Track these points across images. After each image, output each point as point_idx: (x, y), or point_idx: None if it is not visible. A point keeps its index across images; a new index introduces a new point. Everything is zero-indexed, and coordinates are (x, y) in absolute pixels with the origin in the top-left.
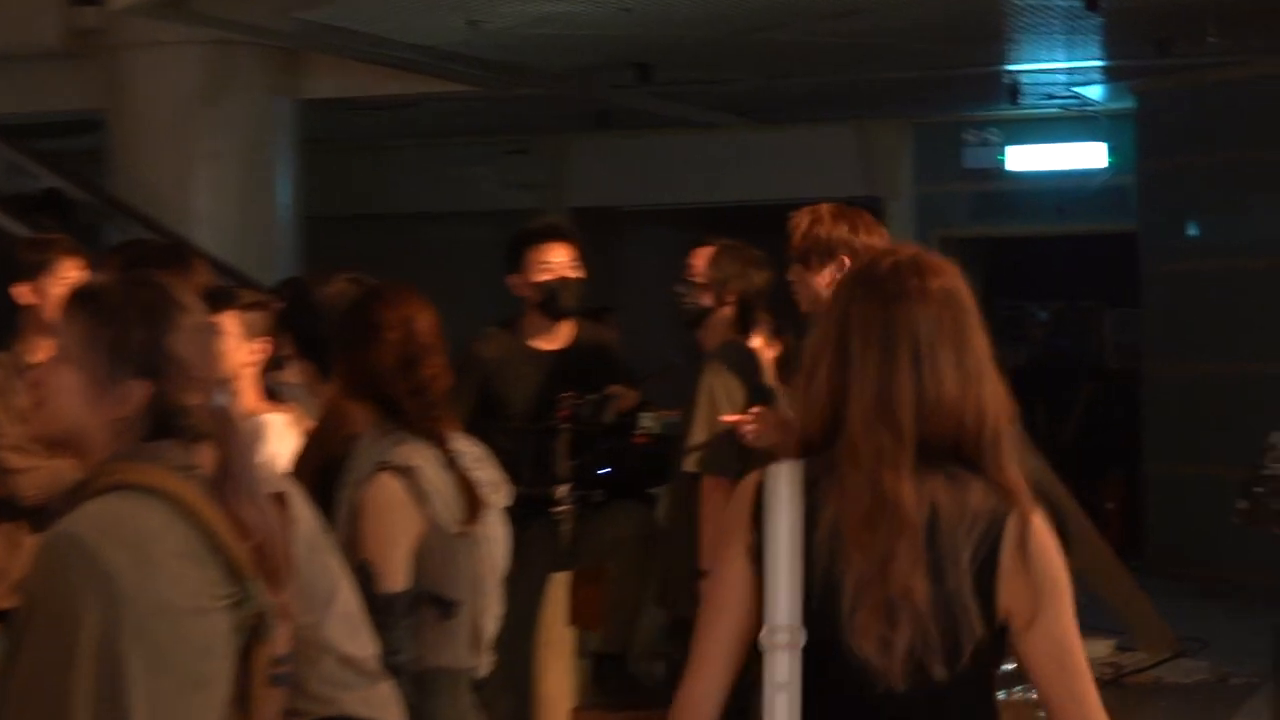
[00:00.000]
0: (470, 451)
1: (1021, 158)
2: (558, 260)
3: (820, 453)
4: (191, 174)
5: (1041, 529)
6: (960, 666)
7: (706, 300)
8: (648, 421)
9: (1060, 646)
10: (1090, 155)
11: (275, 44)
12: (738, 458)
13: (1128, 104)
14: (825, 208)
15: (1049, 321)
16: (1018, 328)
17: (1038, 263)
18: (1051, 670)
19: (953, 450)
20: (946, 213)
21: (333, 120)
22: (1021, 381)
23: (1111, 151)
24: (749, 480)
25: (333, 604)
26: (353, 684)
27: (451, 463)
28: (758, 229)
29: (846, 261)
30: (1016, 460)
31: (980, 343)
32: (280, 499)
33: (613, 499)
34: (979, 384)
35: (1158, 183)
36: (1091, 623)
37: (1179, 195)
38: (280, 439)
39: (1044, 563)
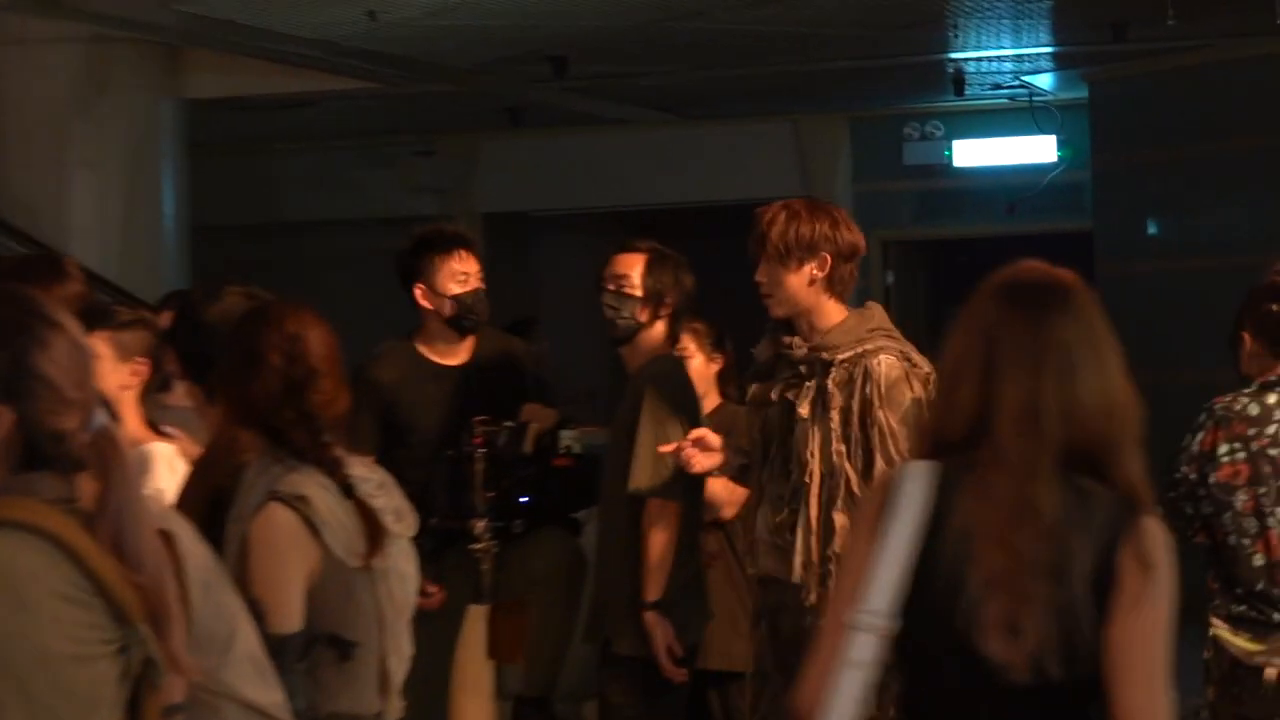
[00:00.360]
0: (370, 478)
1: (967, 153)
2: (470, 270)
3: (956, 455)
4: (68, 182)
5: (1157, 531)
6: (1074, 667)
7: (643, 315)
8: (569, 441)
9: (1145, 643)
10: (1041, 149)
11: (156, 40)
12: (680, 480)
13: (1080, 93)
14: (799, 203)
15: None
16: None
17: (987, 265)
18: (1127, 662)
19: (1086, 455)
20: (888, 213)
21: (221, 122)
22: None
23: (1063, 145)
24: (884, 474)
25: (232, 647)
26: None
27: (348, 491)
28: (684, 233)
29: (829, 260)
30: (1141, 462)
31: (1115, 350)
32: (166, 536)
33: (534, 527)
34: (1116, 391)
35: (1113, 178)
36: None
37: (1136, 192)
38: (167, 470)
39: (1154, 562)
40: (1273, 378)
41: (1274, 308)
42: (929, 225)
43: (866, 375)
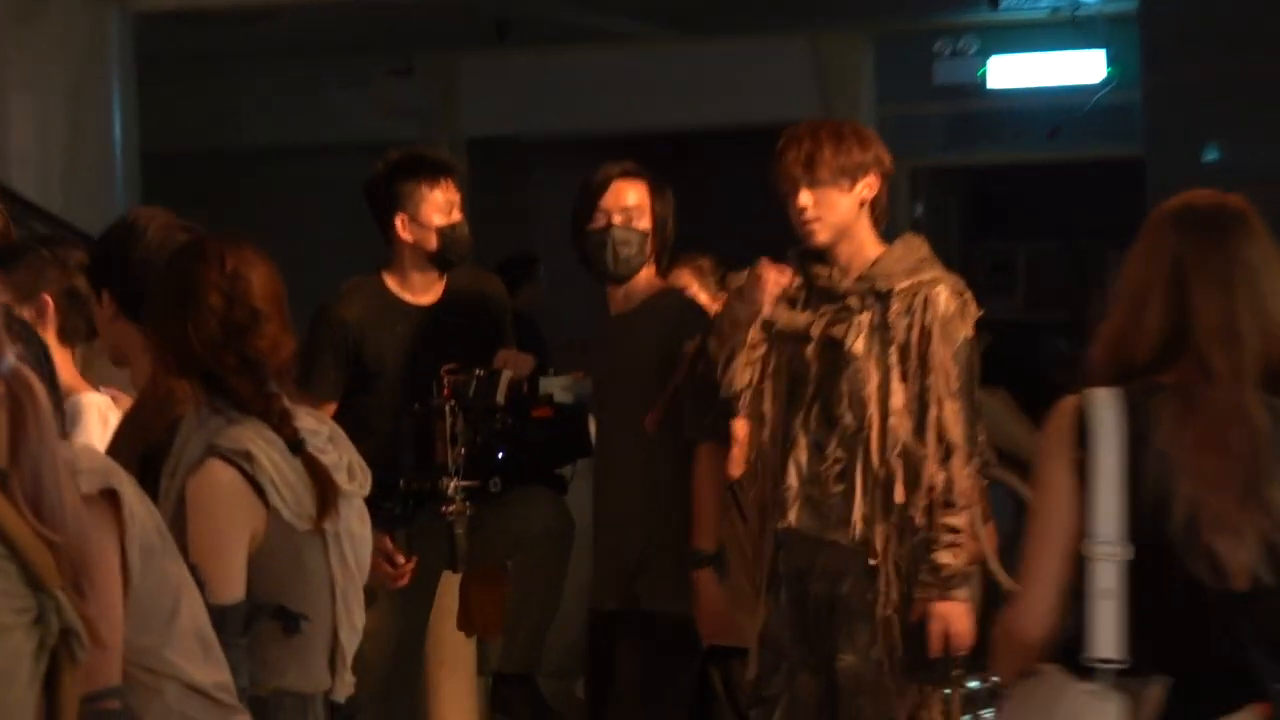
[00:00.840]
0: (319, 430)
1: (1004, 72)
2: (452, 199)
3: (1139, 379)
4: (4, 105)
5: None
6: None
7: (649, 250)
8: (555, 389)
9: None
10: (1086, 67)
11: None
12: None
13: (1129, 3)
14: (838, 124)
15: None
16: (1003, 274)
17: (1025, 196)
18: None
19: (1276, 373)
20: (916, 139)
21: (174, 38)
22: (1007, 343)
23: (1111, 62)
24: (1067, 403)
25: (175, 621)
26: (201, 718)
27: (297, 446)
28: (688, 160)
29: (876, 181)
30: None
31: None
32: (110, 494)
33: (513, 485)
34: None
35: (1166, 98)
36: None
37: (1192, 114)
38: (98, 423)
39: None
40: None
41: None
42: (961, 152)
43: (926, 307)
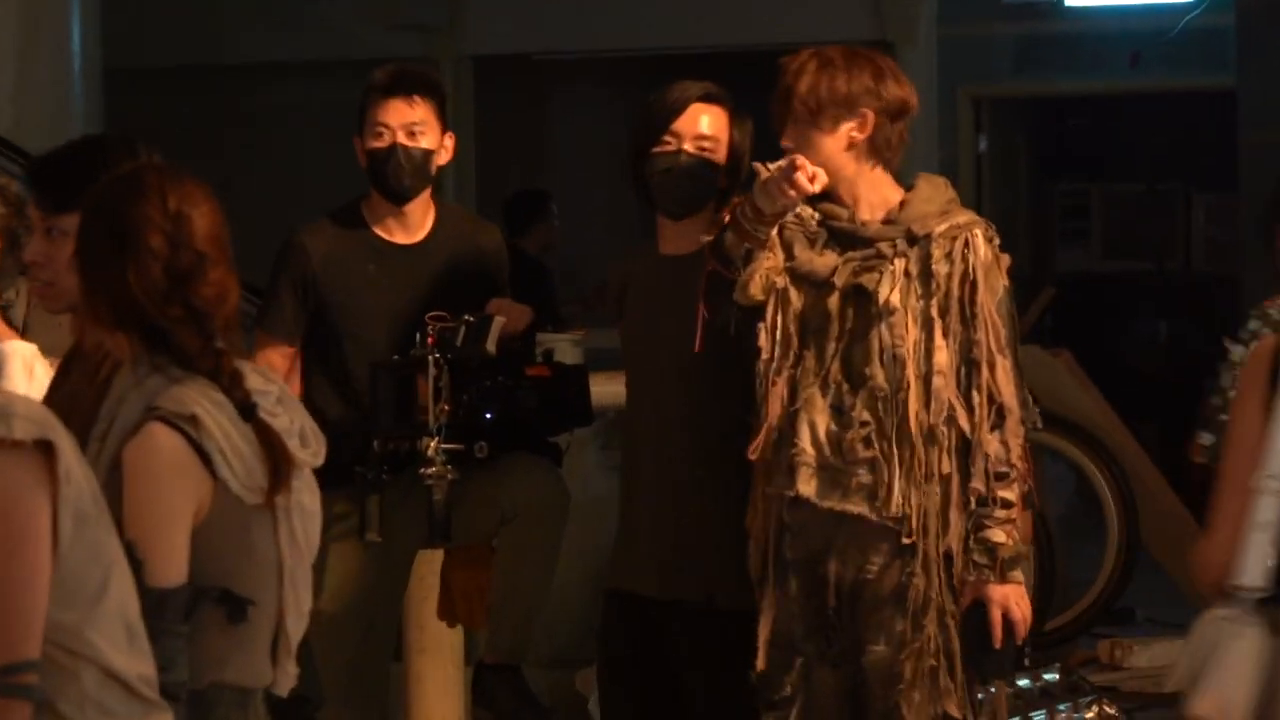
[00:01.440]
0: (268, 390)
1: None
2: (397, 121)
3: None
4: None
5: None
6: None
7: (719, 185)
8: (556, 346)
9: None
10: None
11: None
12: None
13: None
14: (834, 50)
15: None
16: (1077, 220)
17: (1104, 130)
18: None
19: None
20: (980, 63)
21: None
22: (1083, 293)
23: None
24: (1264, 343)
25: (103, 600)
26: (117, 711)
27: (249, 410)
28: (727, 85)
29: (870, 117)
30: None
31: None
32: (46, 446)
33: (503, 451)
34: None
35: (1264, 22)
36: (1163, 618)
37: None
38: (23, 374)
39: None
40: None
41: None
42: (1032, 79)
43: (967, 253)
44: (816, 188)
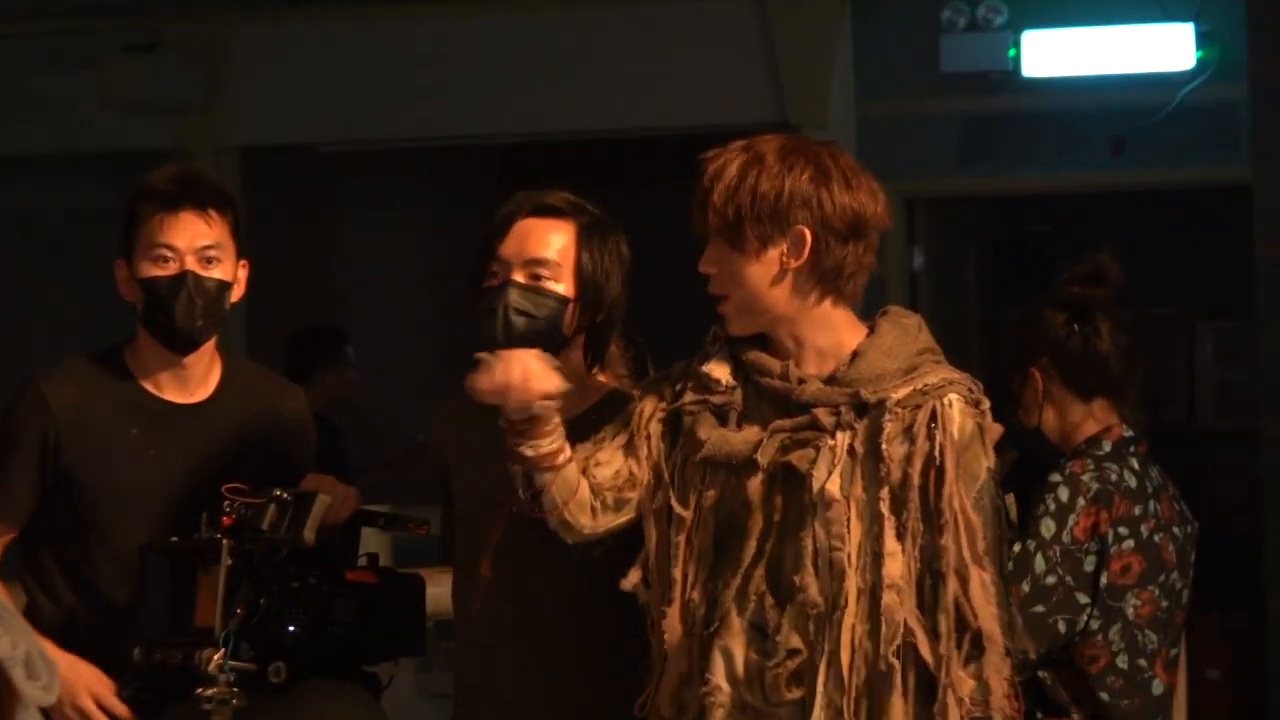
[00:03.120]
0: None
1: (1043, 53)
2: (186, 243)
3: None
4: None
5: None
6: None
7: (570, 324)
8: (383, 535)
9: None
10: (1168, 48)
11: None
12: None
13: None
14: (769, 142)
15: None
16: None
17: (1075, 240)
18: None
19: None
20: (915, 152)
21: None
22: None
23: (1204, 41)
24: None
25: None
26: None
27: None
28: (586, 182)
29: (806, 235)
30: None
31: None
32: None
33: (305, 678)
34: None
35: None
36: None
37: None
38: None
39: None
40: (1128, 433)
41: (1075, 328)
42: (982, 172)
43: (933, 428)
44: (527, 401)
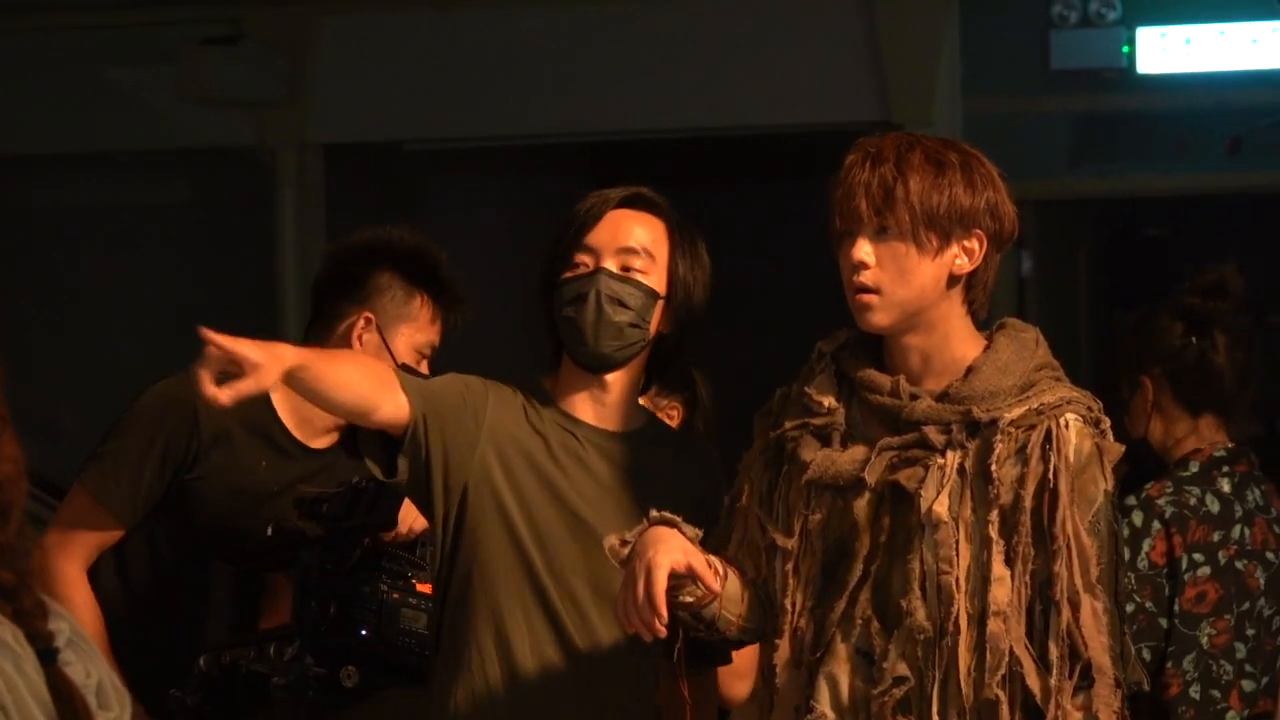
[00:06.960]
0: (59, 629)
1: (1159, 51)
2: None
3: None
4: None
5: None
6: None
7: (654, 325)
8: None
9: None
10: None
11: None
12: None
13: None
14: (929, 141)
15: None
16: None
17: (1192, 244)
18: None
19: None
20: (1024, 153)
21: None
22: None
23: None
24: None
25: None
26: None
27: (49, 655)
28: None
29: (983, 242)
30: None
31: None
32: None
33: (378, 686)
34: None
35: None
36: None
37: None
38: None
39: None
40: (1220, 452)
41: (1193, 341)
42: (1093, 174)
43: (1048, 450)
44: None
